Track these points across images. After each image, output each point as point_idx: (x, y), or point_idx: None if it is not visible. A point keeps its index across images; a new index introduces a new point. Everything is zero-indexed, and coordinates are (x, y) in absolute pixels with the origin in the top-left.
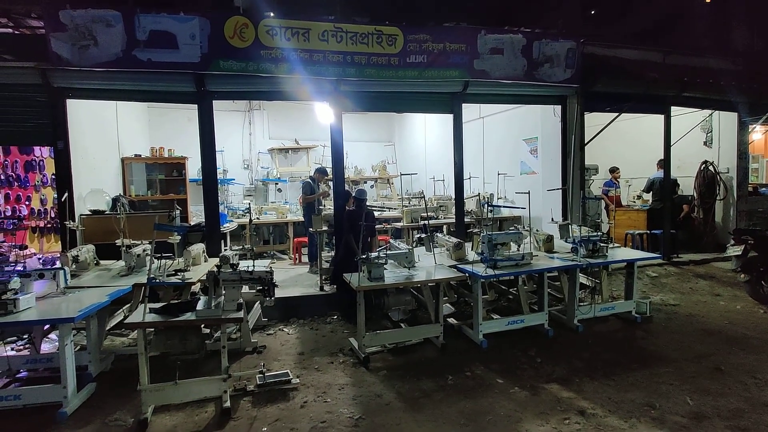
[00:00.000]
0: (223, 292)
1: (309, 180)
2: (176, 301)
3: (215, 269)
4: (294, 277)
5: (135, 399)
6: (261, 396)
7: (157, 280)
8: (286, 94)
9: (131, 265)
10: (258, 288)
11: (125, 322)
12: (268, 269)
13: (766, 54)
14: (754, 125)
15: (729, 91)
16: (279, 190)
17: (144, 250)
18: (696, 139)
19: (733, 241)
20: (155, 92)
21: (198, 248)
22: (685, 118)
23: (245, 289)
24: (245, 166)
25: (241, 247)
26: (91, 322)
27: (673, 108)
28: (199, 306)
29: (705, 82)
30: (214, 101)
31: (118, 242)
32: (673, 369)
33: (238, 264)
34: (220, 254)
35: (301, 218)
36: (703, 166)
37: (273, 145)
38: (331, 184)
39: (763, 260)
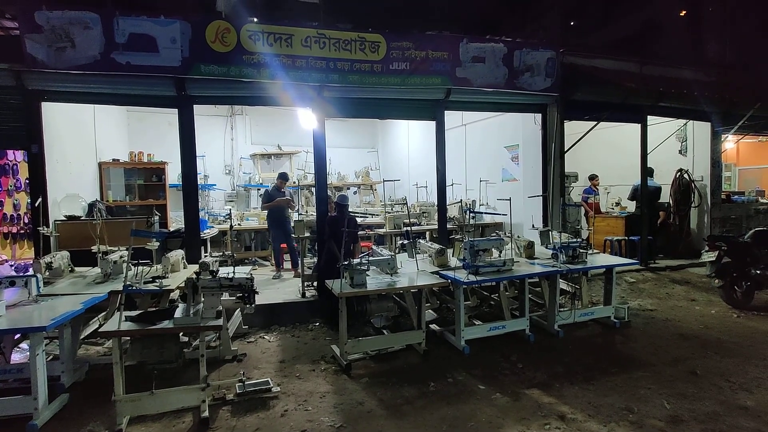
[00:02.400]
0: (202, 299)
1: (267, 188)
2: (153, 309)
3: (194, 276)
4: (276, 284)
5: (109, 410)
6: (240, 405)
7: (134, 287)
8: (269, 99)
9: (107, 272)
10: (238, 295)
11: (100, 330)
12: (249, 276)
13: (738, 66)
14: (727, 135)
15: (702, 101)
16: (261, 195)
17: (121, 257)
18: (671, 147)
19: (708, 247)
20: (134, 96)
21: (177, 255)
22: (661, 127)
23: (225, 296)
24: (227, 171)
25: (221, 253)
26: (64, 330)
27: (649, 117)
28: (178, 314)
29: (680, 93)
30: (195, 106)
31: (94, 249)
32: (651, 373)
33: (218, 271)
34: (200, 261)
35: None
36: (679, 173)
37: (255, 150)
38: (290, 189)
39: (737, 266)
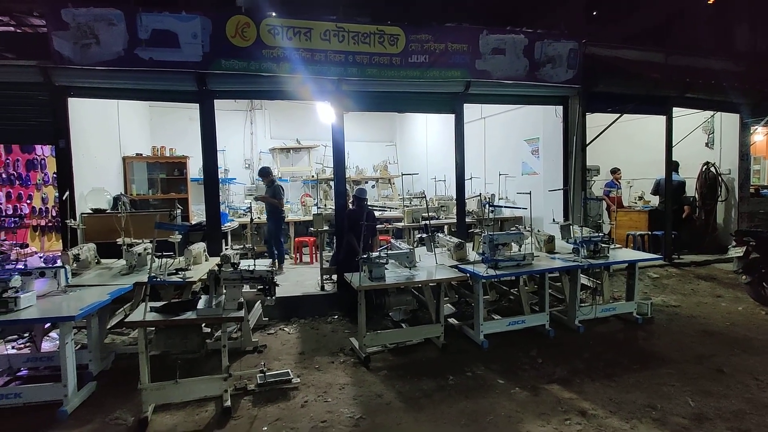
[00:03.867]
0: (224, 291)
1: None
2: (177, 300)
3: (216, 268)
4: (295, 276)
5: (135, 398)
6: (261, 395)
7: (158, 279)
8: (288, 93)
9: (132, 263)
10: (259, 287)
11: (126, 320)
12: (269, 268)
13: None
14: (756, 126)
15: (731, 92)
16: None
17: (145, 249)
18: (697, 140)
19: (735, 242)
20: (157, 91)
21: (199, 247)
22: (687, 119)
23: (246, 288)
24: (246, 165)
25: (242, 246)
26: (91, 320)
27: (674, 109)
28: (200, 305)
29: (707, 83)
30: (215, 100)
31: (119, 241)
32: (675, 370)
33: (239, 263)
34: (221, 253)
35: (302, 218)
36: (705, 167)
37: (274, 144)
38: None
39: (765, 262)
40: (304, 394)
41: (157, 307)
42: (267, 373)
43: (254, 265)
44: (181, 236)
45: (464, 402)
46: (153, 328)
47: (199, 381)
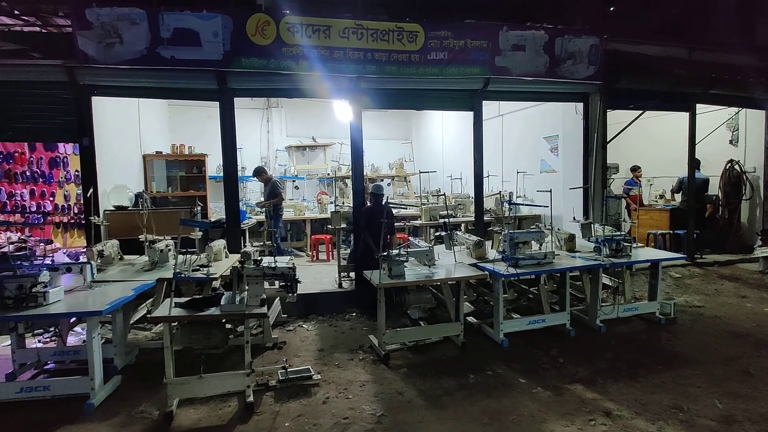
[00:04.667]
0: (247, 287)
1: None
2: (199, 296)
3: (239, 265)
4: (312, 274)
5: (159, 392)
6: (283, 391)
7: (183, 275)
8: (306, 91)
9: (154, 260)
10: (281, 284)
11: (151, 315)
12: (291, 265)
13: None
14: None
15: (757, 88)
16: (296, 187)
17: (167, 246)
18: (721, 137)
19: (761, 242)
20: (178, 89)
21: (219, 244)
22: (710, 116)
23: (265, 284)
24: (263, 163)
25: (261, 243)
26: (116, 315)
27: (697, 105)
28: (223, 301)
29: (732, 79)
30: (235, 98)
31: (141, 238)
32: (700, 371)
33: (261, 260)
34: (242, 250)
35: (319, 215)
36: (729, 165)
37: (290, 142)
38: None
39: None
40: (325, 391)
41: (181, 303)
42: (288, 370)
43: (275, 261)
44: (201, 233)
45: (486, 401)
46: (176, 324)
47: (222, 376)
